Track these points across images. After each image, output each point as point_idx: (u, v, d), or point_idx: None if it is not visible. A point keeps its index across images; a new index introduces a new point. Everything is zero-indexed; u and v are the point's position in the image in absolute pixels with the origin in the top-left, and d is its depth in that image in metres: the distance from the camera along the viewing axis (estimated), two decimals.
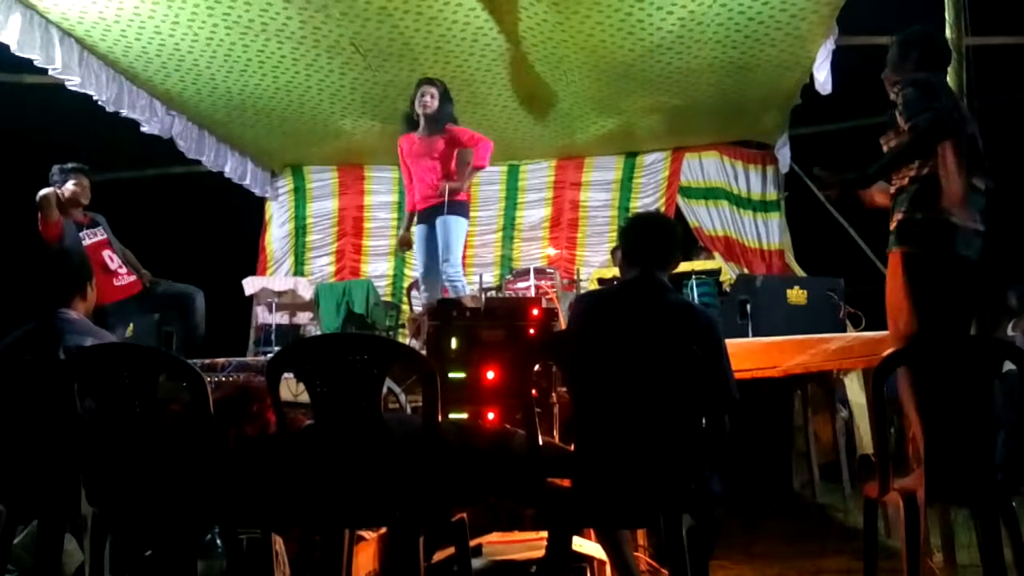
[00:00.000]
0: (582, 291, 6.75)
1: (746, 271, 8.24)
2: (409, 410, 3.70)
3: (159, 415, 2.65)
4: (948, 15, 4.12)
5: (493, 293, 6.88)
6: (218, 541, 2.90)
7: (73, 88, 5.83)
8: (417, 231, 5.51)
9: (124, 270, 5.02)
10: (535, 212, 9.06)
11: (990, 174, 3.45)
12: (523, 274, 6.69)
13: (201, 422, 2.57)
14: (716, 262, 7.62)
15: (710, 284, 5.79)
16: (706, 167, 8.87)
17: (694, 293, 5.59)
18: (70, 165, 5.03)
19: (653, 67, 6.45)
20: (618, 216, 8.83)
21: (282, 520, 2.83)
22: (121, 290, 4.96)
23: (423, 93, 5.34)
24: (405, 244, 5.76)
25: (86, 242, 4.94)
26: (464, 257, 8.60)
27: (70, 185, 4.95)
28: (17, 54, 5.22)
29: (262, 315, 7.09)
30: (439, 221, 5.30)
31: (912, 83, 3.38)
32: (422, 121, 5.37)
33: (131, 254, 5.26)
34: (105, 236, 5.04)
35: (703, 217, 8.80)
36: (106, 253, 4.96)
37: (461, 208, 5.37)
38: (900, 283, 3.37)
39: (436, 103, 5.31)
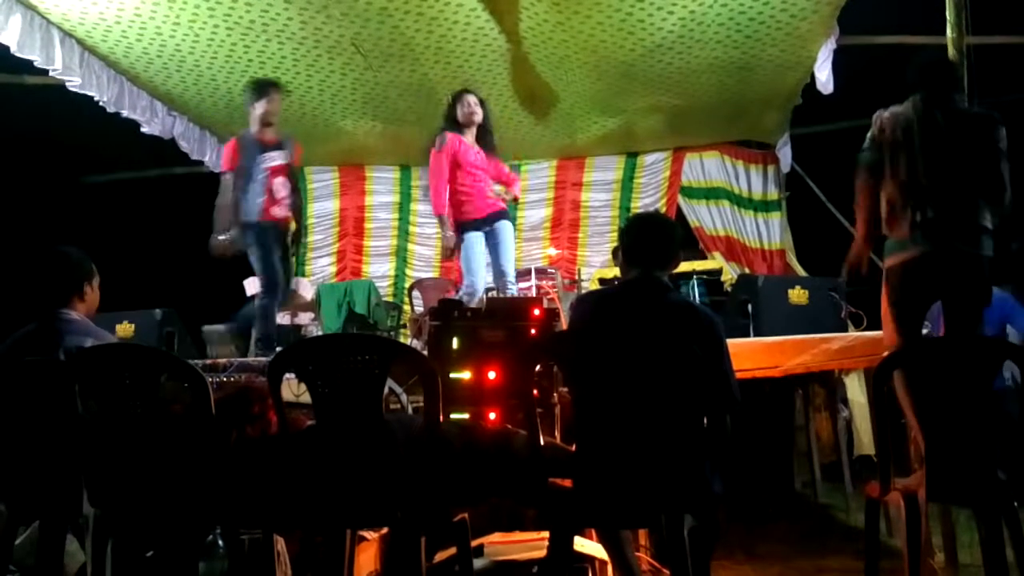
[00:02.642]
0: (583, 291, 6.76)
1: (747, 271, 8.24)
2: (411, 410, 3.69)
3: (160, 416, 2.64)
4: (949, 14, 4.12)
5: (494, 293, 6.88)
6: (220, 542, 2.90)
7: (74, 89, 5.84)
8: (477, 240, 5.27)
9: (287, 201, 5.04)
10: (536, 212, 9.06)
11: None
12: (524, 274, 6.69)
13: (203, 423, 2.57)
14: (716, 262, 7.62)
15: (701, 284, 5.84)
16: (707, 167, 8.87)
17: (694, 293, 5.61)
18: (262, 81, 5.14)
19: (654, 67, 6.45)
20: (619, 216, 8.83)
21: (284, 521, 2.83)
22: (273, 216, 4.97)
23: (468, 102, 5.24)
24: (453, 251, 5.38)
25: (265, 164, 4.97)
26: None
27: (263, 104, 5.04)
28: (17, 55, 5.22)
29: None
30: (500, 226, 5.30)
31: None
32: (473, 130, 5.28)
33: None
34: (284, 162, 5.05)
35: (704, 217, 8.80)
36: (278, 180, 4.98)
37: (508, 214, 5.45)
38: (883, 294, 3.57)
39: (481, 112, 5.26)
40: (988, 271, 3.47)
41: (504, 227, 5.33)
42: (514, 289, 5.35)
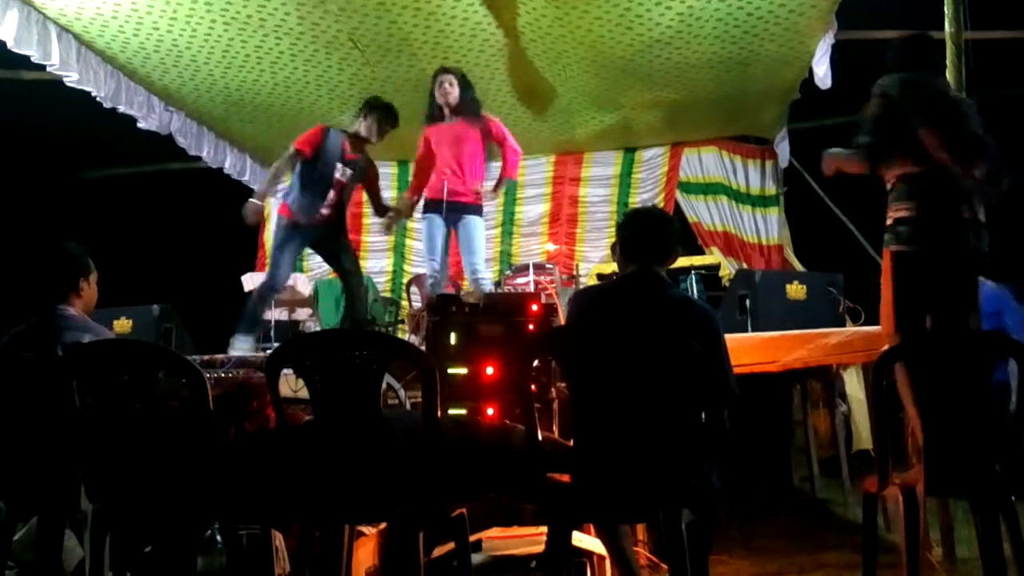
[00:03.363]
0: (581, 286, 6.76)
1: (745, 266, 8.24)
2: (408, 406, 3.70)
3: (158, 411, 2.64)
4: (947, 9, 4.11)
5: (492, 288, 6.88)
6: (218, 537, 2.91)
7: (71, 84, 5.82)
8: (432, 221, 5.33)
9: (325, 212, 4.96)
10: (534, 208, 9.06)
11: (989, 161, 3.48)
12: (522, 270, 6.71)
13: (201, 419, 2.57)
14: (714, 257, 7.63)
15: (700, 279, 5.86)
16: (705, 162, 8.87)
17: (693, 288, 5.62)
18: (372, 102, 5.14)
19: (652, 62, 6.45)
20: (617, 211, 8.82)
21: (282, 516, 2.83)
22: (308, 219, 4.93)
23: (441, 83, 5.22)
24: (406, 210, 5.57)
25: (335, 175, 4.95)
26: None
27: (362, 122, 5.08)
28: (14, 50, 5.21)
29: None
30: (464, 221, 5.27)
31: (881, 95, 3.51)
32: (447, 111, 5.26)
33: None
34: (345, 180, 5.01)
35: (702, 212, 8.80)
36: (332, 194, 4.96)
37: (480, 209, 5.37)
38: (888, 281, 3.47)
39: (456, 90, 5.21)
40: (978, 267, 3.47)
41: (469, 223, 5.29)
42: (488, 285, 5.31)
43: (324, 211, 4.96)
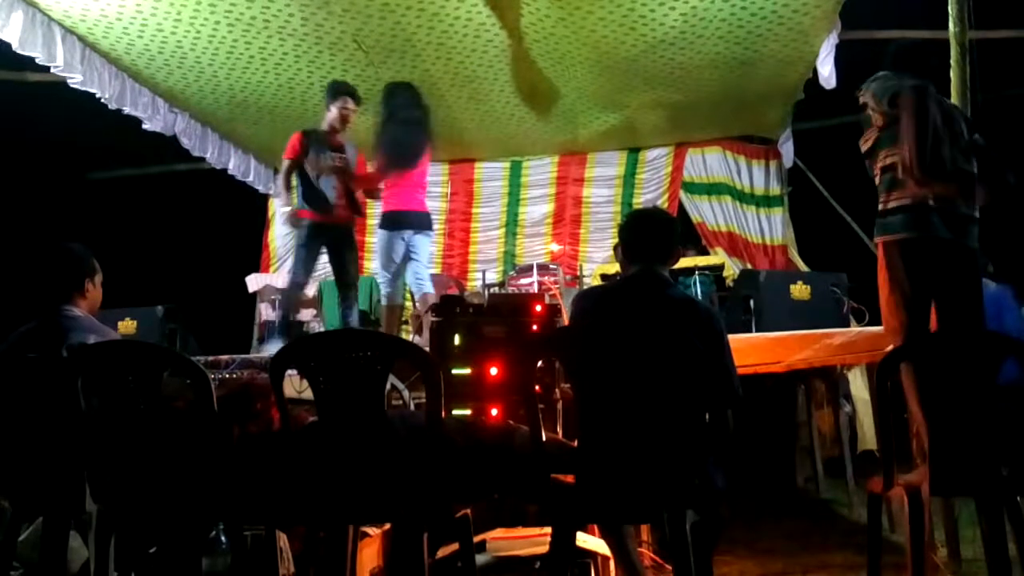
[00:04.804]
0: (585, 287, 6.76)
1: (749, 266, 8.23)
2: (413, 407, 3.70)
3: (163, 412, 2.65)
4: (951, 9, 4.10)
5: (496, 289, 6.89)
6: (222, 538, 2.92)
7: (75, 86, 5.84)
8: None
9: (340, 202, 5.24)
10: (538, 208, 9.05)
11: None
12: (526, 270, 6.72)
13: (205, 419, 2.58)
14: (718, 258, 7.63)
15: (704, 280, 5.85)
16: (709, 162, 8.85)
17: (697, 288, 5.62)
18: (336, 85, 5.32)
19: (656, 63, 6.44)
20: (621, 212, 8.81)
21: (286, 517, 2.83)
22: (327, 215, 5.20)
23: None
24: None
25: (329, 163, 5.17)
26: (467, 253, 8.67)
27: (334, 109, 5.22)
28: (19, 52, 5.23)
29: (265, 312, 7.09)
30: None
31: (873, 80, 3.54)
32: None
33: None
34: (342, 164, 5.23)
35: (706, 212, 8.79)
36: (332, 181, 5.19)
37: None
38: (882, 273, 3.47)
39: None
40: (977, 262, 3.46)
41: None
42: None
43: (338, 201, 5.20)
